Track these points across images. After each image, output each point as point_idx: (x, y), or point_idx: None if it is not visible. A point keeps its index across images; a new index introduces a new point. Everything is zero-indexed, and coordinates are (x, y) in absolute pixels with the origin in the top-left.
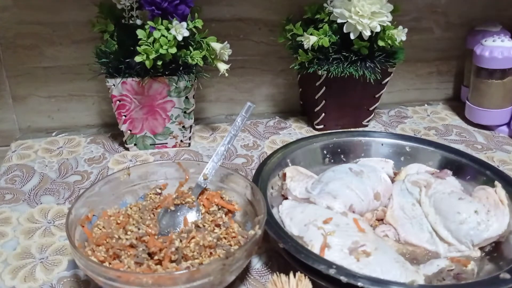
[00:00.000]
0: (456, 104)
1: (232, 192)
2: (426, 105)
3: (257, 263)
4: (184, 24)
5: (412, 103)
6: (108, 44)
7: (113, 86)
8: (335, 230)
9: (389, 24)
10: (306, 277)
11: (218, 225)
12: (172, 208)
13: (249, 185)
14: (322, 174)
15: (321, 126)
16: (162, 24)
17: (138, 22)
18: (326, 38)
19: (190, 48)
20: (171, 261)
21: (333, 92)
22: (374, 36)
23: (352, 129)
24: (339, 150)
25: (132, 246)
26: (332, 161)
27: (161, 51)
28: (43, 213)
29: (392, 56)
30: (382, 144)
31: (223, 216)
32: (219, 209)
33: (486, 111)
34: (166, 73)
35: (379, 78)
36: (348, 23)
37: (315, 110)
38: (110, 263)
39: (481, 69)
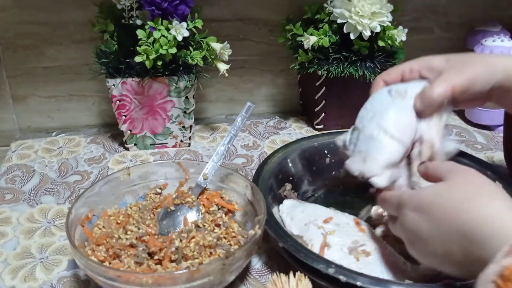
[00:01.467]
0: None
1: (232, 192)
2: None
3: (257, 263)
4: (184, 24)
5: None
6: (108, 44)
7: (113, 86)
8: (335, 230)
9: (389, 24)
10: (306, 276)
11: (218, 225)
12: (172, 208)
13: (249, 185)
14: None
15: (321, 126)
16: (162, 24)
17: (138, 22)
18: (326, 38)
19: (190, 48)
20: (171, 261)
21: (333, 92)
22: (374, 36)
23: None
24: (339, 150)
25: (132, 246)
26: (333, 160)
27: (161, 51)
28: (43, 213)
29: (392, 56)
30: None
31: (223, 216)
32: (219, 209)
33: (486, 111)
34: (166, 73)
35: None
36: (348, 23)
37: (315, 110)
38: (110, 263)
39: None
